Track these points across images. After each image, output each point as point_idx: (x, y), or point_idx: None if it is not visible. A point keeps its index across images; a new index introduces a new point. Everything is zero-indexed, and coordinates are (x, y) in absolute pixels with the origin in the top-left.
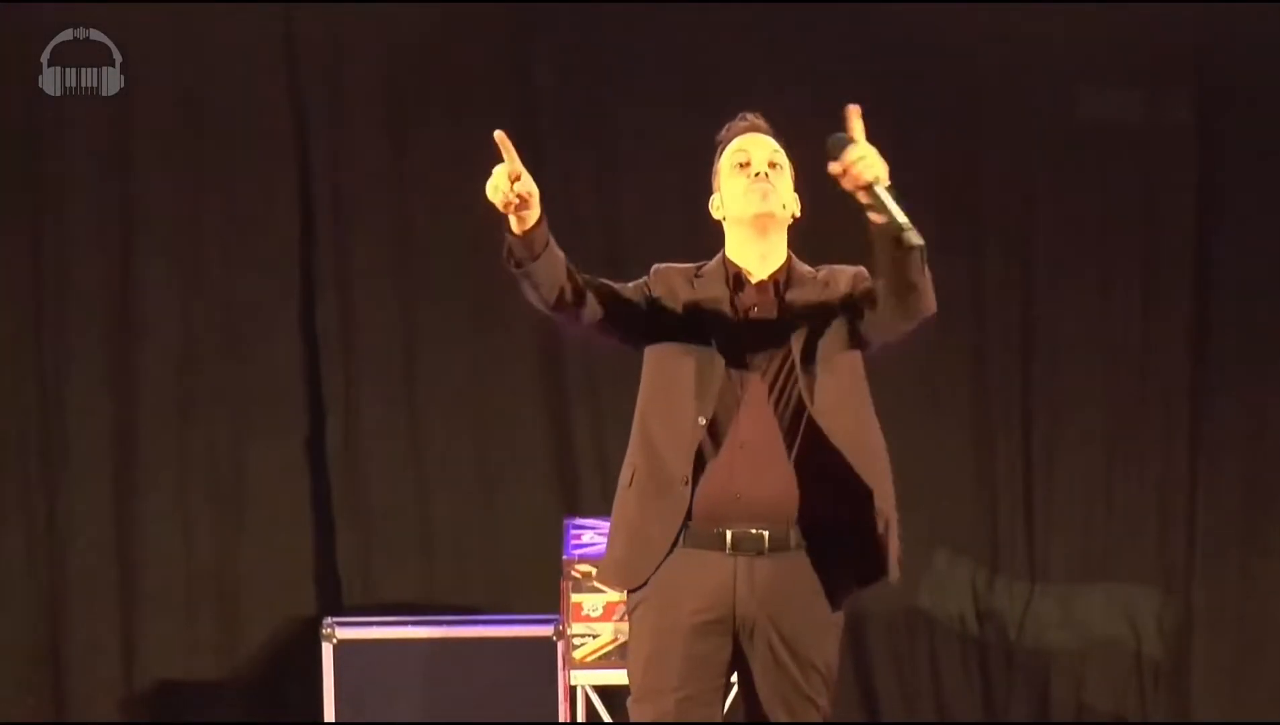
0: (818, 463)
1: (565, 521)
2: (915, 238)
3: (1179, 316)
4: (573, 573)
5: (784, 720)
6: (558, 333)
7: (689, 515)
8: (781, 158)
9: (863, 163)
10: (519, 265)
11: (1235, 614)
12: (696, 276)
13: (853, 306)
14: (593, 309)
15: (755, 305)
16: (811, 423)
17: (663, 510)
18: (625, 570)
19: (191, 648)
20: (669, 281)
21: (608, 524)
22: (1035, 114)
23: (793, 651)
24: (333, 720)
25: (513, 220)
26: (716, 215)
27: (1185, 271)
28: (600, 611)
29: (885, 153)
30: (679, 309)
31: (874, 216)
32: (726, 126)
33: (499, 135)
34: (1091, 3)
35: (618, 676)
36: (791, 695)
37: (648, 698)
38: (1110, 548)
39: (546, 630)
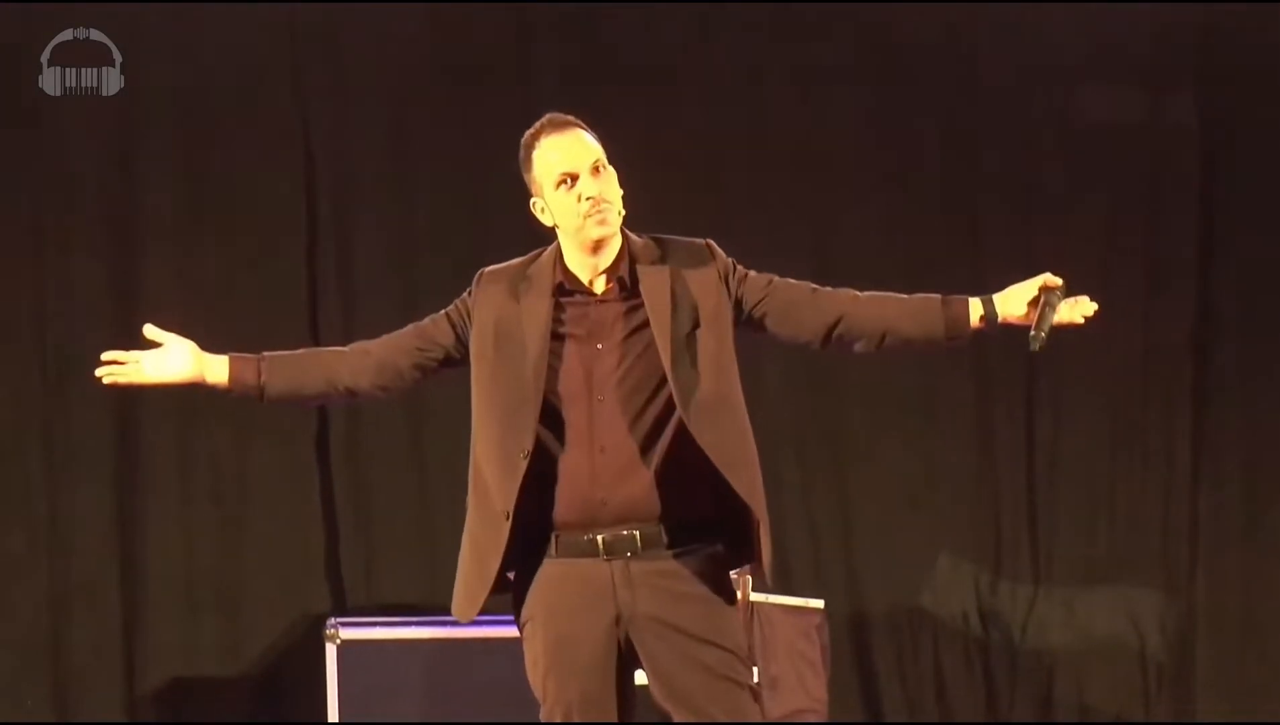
0: (682, 461)
1: None
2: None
3: (1181, 318)
4: None
5: (709, 707)
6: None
7: (532, 537)
8: (603, 158)
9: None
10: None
11: (1238, 614)
12: (524, 278)
13: (753, 305)
14: (395, 379)
15: (598, 317)
16: (679, 423)
17: (490, 542)
18: (463, 603)
19: (195, 648)
20: (493, 297)
21: None
22: (1037, 113)
23: (693, 638)
24: (336, 721)
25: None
26: (543, 219)
27: (1188, 272)
28: None
29: (884, 155)
30: (505, 326)
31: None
32: (536, 126)
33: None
34: (1093, 1)
35: None
36: (709, 681)
37: (555, 710)
38: (1113, 549)
39: None
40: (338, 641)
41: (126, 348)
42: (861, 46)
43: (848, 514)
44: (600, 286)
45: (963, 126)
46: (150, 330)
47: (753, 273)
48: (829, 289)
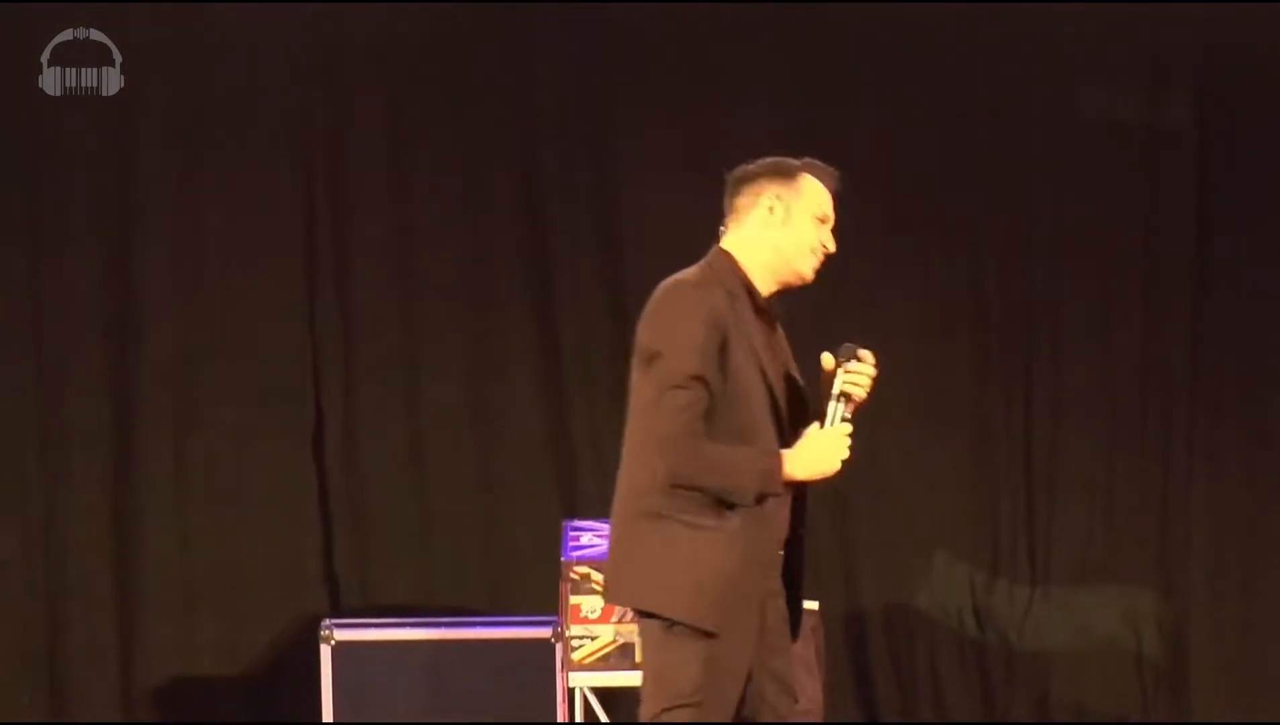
0: None
1: (564, 523)
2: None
3: (1179, 320)
4: (571, 574)
5: None
6: (556, 336)
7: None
8: None
9: (857, 379)
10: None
11: (1235, 615)
12: (723, 289)
13: None
14: None
15: (778, 344)
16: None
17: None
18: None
19: (191, 648)
20: (729, 323)
21: (606, 526)
22: (1035, 116)
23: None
24: (330, 721)
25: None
26: (765, 215)
27: (1186, 274)
28: (599, 613)
29: (884, 156)
30: (740, 340)
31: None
32: (822, 165)
33: None
34: (1092, 2)
35: (616, 678)
36: None
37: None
38: (1111, 549)
39: (545, 632)
40: (332, 643)
41: (123, 346)
42: (862, 48)
43: (844, 514)
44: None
45: (962, 129)
46: None
47: None
48: None
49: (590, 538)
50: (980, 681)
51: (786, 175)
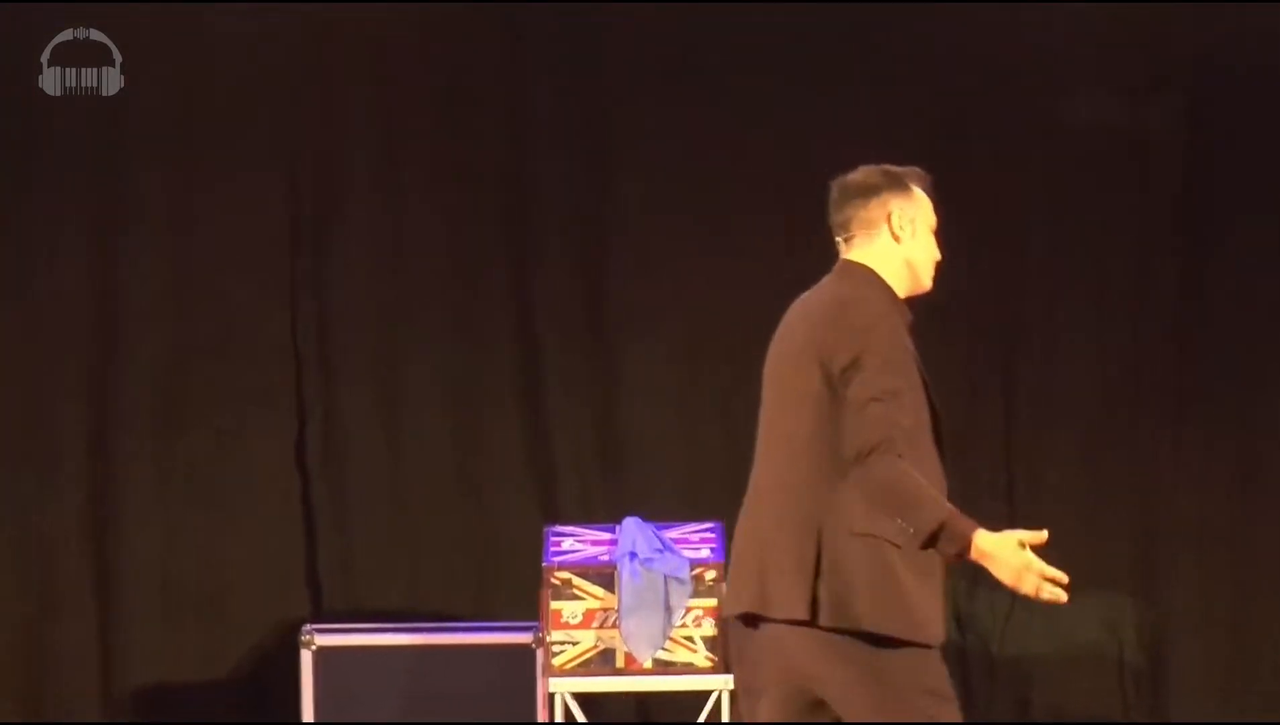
0: None
1: (545, 528)
2: None
3: (1165, 323)
4: (553, 580)
5: None
6: (537, 342)
7: None
8: None
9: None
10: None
11: (1218, 619)
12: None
13: None
14: None
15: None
16: None
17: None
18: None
19: (172, 653)
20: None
21: (588, 531)
22: (1026, 117)
23: None
24: None
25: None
26: (897, 230)
27: (1169, 276)
28: (580, 619)
29: (874, 156)
30: (913, 362)
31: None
32: (920, 172)
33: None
34: (1081, 2)
35: (596, 684)
36: None
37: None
38: (1093, 555)
39: (526, 637)
40: (314, 648)
41: (105, 348)
42: (845, 48)
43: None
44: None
45: (954, 128)
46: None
47: None
48: None
49: (571, 543)
50: (961, 687)
51: (904, 188)
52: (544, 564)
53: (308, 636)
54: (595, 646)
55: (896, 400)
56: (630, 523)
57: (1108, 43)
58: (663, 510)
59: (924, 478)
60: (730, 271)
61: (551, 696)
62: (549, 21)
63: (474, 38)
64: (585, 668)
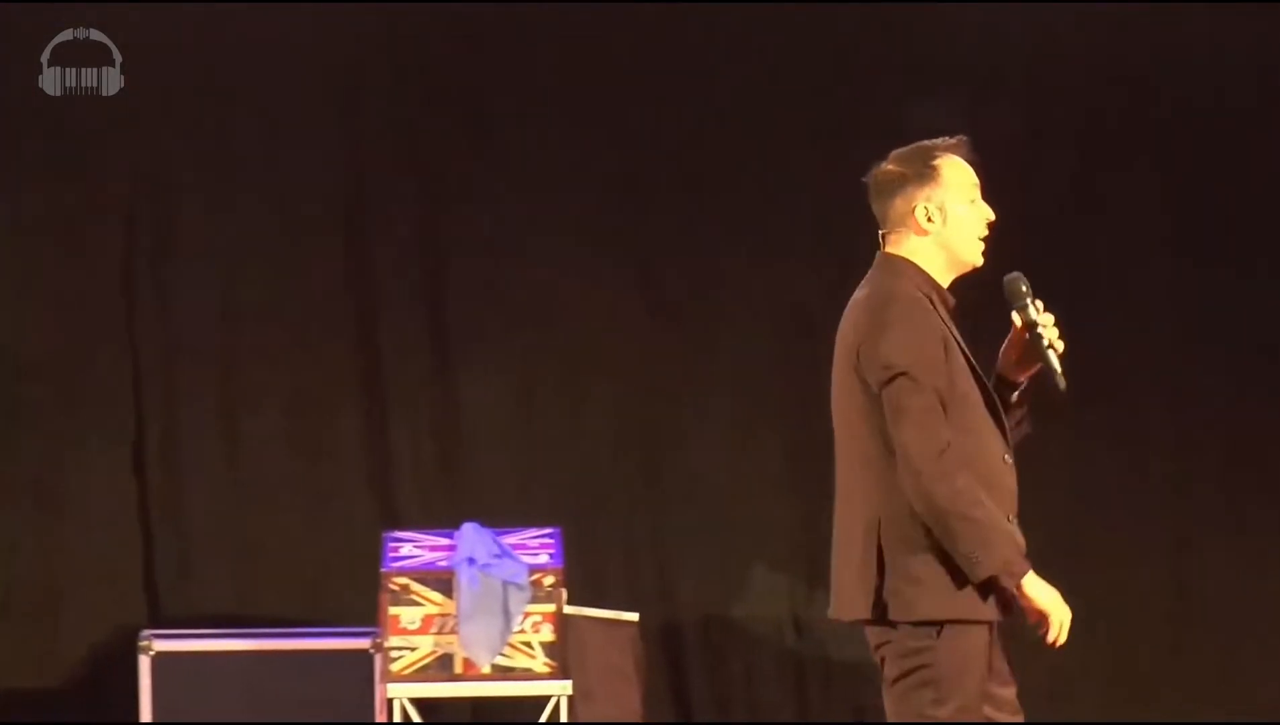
0: None
1: (384, 534)
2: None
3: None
4: (391, 585)
5: None
6: (377, 346)
7: None
8: None
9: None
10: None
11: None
12: (929, 301)
13: None
14: None
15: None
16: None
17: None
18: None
19: (9, 658)
20: (943, 331)
21: (427, 537)
22: (865, 119)
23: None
24: None
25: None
26: (924, 224)
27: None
28: (418, 624)
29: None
30: (952, 345)
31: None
32: (953, 139)
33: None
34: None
35: (434, 689)
36: None
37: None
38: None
39: (364, 643)
40: (152, 653)
41: None
42: (719, 46)
43: (663, 526)
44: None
45: (789, 142)
46: None
47: None
48: None
49: (410, 548)
50: (797, 692)
51: (928, 174)
52: (383, 569)
53: (146, 642)
54: (434, 652)
55: (928, 414)
56: (469, 528)
57: (944, 48)
58: (501, 516)
59: (981, 482)
60: (570, 279)
61: (390, 702)
62: (387, 33)
63: (303, 52)
64: (424, 673)
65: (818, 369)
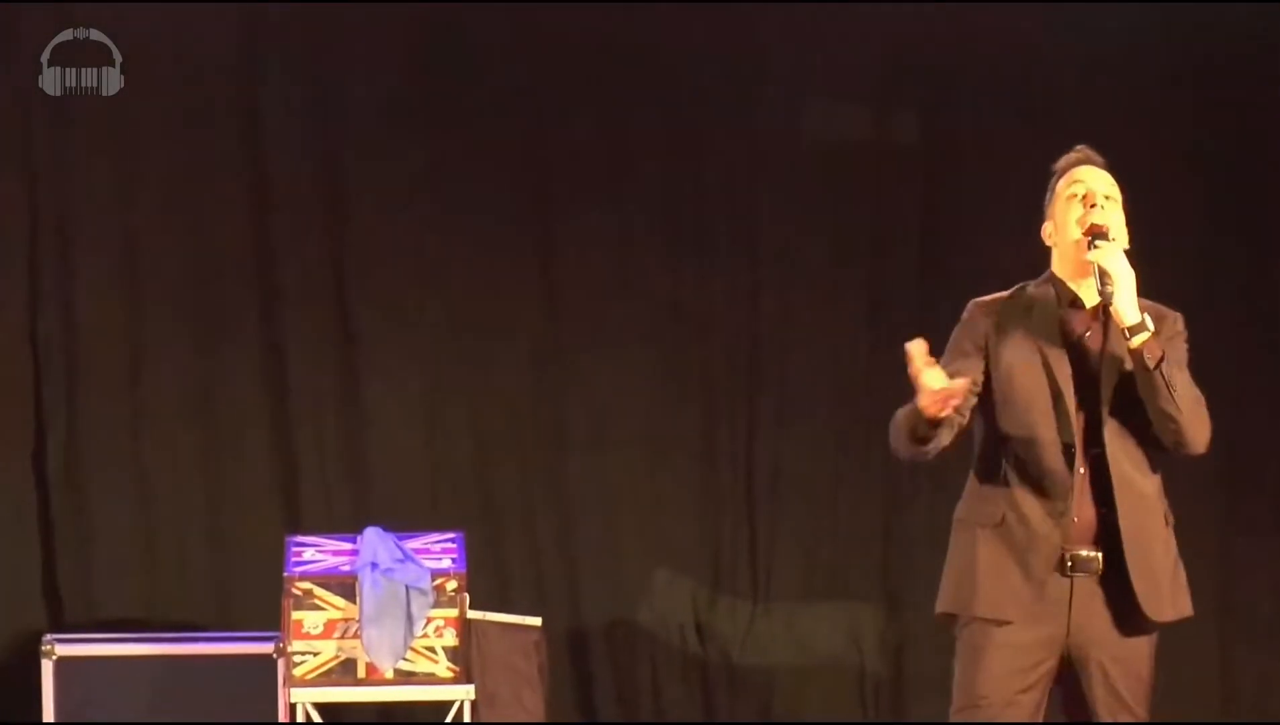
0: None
1: (287, 539)
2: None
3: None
4: (294, 590)
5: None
6: (283, 349)
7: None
8: (1115, 191)
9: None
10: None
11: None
12: (1022, 296)
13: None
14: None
15: (1087, 330)
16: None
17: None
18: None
19: None
20: (1001, 317)
21: (330, 541)
22: (762, 125)
23: (1121, 666)
24: None
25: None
26: (1048, 241)
27: (912, 288)
28: (321, 629)
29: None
30: (1016, 342)
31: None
32: (1063, 158)
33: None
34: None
35: (337, 694)
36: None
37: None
38: (835, 566)
39: (267, 647)
40: (54, 658)
41: None
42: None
43: (569, 532)
44: (1089, 303)
45: (683, 141)
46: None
47: None
48: None
49: (313, 553)
50: (702, 695)
51: (1051, 195)
52: (285, 574)
53: (48, 646)
54: (337, 656)
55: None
56: (371, 533)
57: (843, 52)
58: (404, 520)
59: (1035, 470)
60: (476, 281)
61: (293, 706)
62: (289, 27)
63: (208, 40)
64: (327, 677)
65: (723, 373)
